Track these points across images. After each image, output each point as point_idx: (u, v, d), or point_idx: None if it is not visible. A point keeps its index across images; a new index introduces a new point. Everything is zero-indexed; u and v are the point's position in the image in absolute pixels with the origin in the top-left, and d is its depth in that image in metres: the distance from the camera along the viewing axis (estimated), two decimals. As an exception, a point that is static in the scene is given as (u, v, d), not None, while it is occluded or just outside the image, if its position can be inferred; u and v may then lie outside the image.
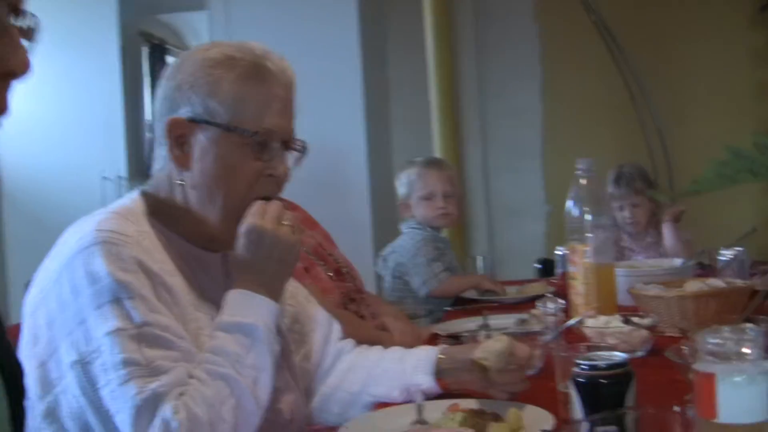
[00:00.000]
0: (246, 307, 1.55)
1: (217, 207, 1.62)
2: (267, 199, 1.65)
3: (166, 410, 1.38)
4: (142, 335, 1.42)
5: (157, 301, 1.48)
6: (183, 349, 1.47)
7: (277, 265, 1.61)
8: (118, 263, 1.46)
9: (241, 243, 1.60)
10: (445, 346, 1.98)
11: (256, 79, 1.62)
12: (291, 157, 1.71)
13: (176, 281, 1.56)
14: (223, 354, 1.49)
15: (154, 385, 1.39)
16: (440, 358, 1.89)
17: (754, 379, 0.80)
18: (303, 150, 1.73)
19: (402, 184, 3.80)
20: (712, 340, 0.82)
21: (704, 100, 5.53)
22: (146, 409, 1.38)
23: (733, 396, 0.80)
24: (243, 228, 1.59)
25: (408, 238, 3.70)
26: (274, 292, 1.60)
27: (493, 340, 1.82)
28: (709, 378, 0.81)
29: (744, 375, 0.80)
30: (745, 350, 0.81)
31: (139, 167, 5.39)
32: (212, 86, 1.60)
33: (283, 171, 1.67)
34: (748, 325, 0.84)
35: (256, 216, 1.59)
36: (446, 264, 3.67)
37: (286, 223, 1.62)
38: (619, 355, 1.47)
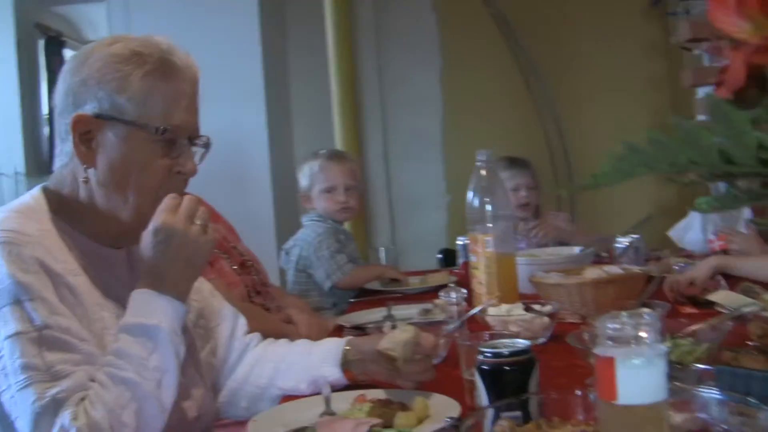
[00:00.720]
0: (150, 308, 1.52)
1: (128, 205, 1.60)
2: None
3: (65, 417, 1.36)
4: (43, 338, 1.40)
5: (59, 303, 1.46)
6: (84, 352, 1.45)
7: (184, 265, 1.57)
8: (19, 264, 1.44)
9: (148, 241, 1.56)
10: (351, 337, 2.00)
11: (164, 75, 1.61)
12: (196, 152, 1.70)
13: (79, 281, 1.54)
14: (125, 357, 1.46)
15: (54, 390, 1.38)
16: (347, 350, 1.91)
17: (651, 361, 0.84)
18: (207, 146, 1.72)
19: (304, 176, 3.81)
20: (611, 325, 0.86)
21: (600, 92, 5.65)
22: (46, 415, 1.37)
23: (632, 378, 0.84)
24: (152, 225, 1.56)
25: (310, 231, 3.71)
26: (180, 292, 1.57)
27: (398, 331, 1.84)
28: (609, 362, 0.85)
29: (642, 358, 0.84)
30: (642, 334, 0.85)
31: (36, 163, 5.26)
32: (120, 82, 1.57)
33: (191, 168, 1.66)
34: (645, 309, 0.89)
35: (166, 213, 1.56)
36: (349, 256, 3.70)
37: (198, 222, 1.59)
38: (521, 342, 1.51)
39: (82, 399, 1.40)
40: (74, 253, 1.57)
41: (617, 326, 0.85)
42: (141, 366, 1.46)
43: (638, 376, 0.84)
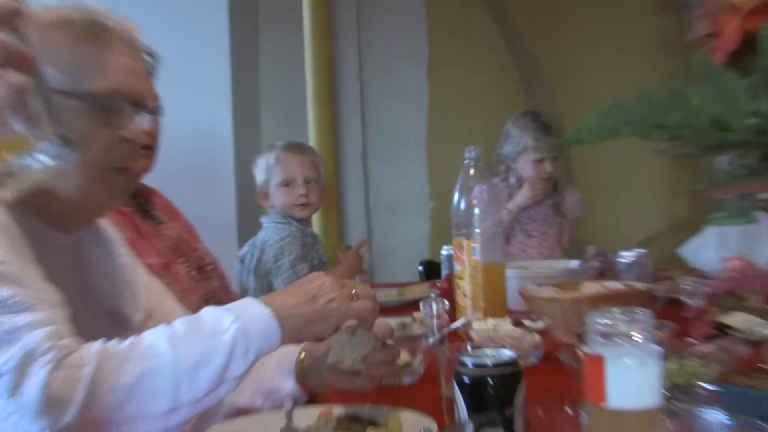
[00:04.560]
0: (249, 309, 1.53)
1: (72, 183, 1.60)
2: (126, 169, 1.66)
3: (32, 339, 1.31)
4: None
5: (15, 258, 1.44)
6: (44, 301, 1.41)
7: (305, 303, 1.60)
8: None
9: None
10: (307, 343, 1.96)
11: (93, 38, 1.63)
12: (146, 119, 1.70)
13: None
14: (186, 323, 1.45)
15: (17, 319, 1.33)
16: (300, 357, 1.91)
17: (644, 361, 0.86)
18: (157, 111, 1.74)
19: (260, 170, 3.84)
20: (601, 320, 0.87)
21: (605, 89, 5.64)
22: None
23: (623, 379, 0.86)
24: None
25: (272, 234, 3.73)
26: (284, 318, 1.56)
27: (340, 333, 1.76)
28: (598, 360, 0.86)
29: (634, 357, 0.86)
30: (635, 332, 0.86)
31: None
32: (48, 52, 1.59)
33: (137, 134, 1.66)
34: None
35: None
36: (315, 261, 3.72)
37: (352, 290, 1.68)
38: (506, 353, 1.51)
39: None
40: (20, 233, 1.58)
41: (608, 322, 0.87)
42: (180, 339, 1.43)
43: (630, 378, 0.86)
